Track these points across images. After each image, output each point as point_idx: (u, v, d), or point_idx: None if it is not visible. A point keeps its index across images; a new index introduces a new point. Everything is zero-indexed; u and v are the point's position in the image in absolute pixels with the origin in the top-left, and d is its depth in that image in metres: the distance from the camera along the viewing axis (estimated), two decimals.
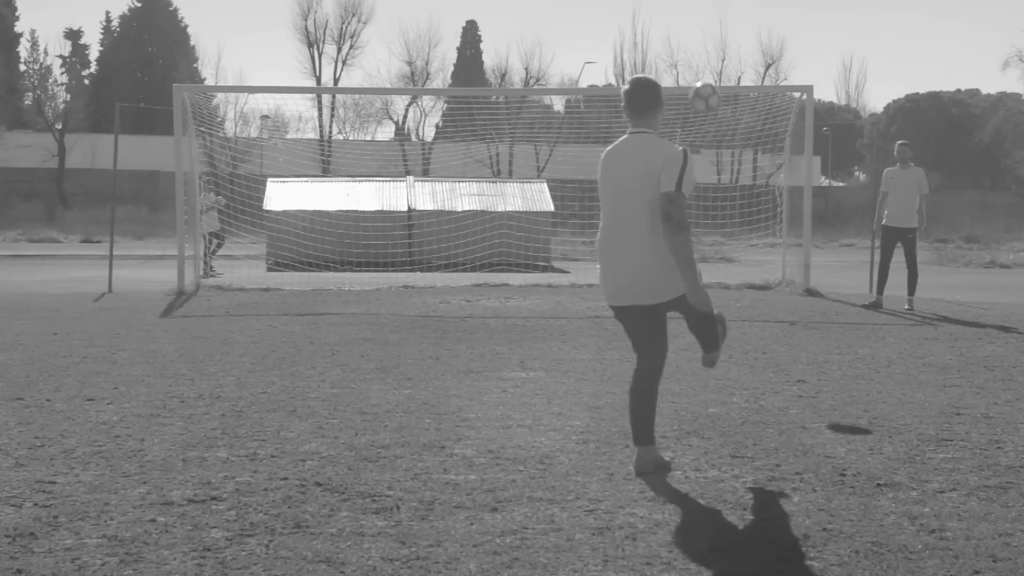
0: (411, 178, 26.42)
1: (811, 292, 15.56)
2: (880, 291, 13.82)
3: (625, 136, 5.43)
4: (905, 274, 13.57)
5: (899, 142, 14.21)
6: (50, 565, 3.88)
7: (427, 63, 54.90)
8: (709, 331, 5.67)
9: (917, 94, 73.88)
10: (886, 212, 13.66)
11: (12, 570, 3.82)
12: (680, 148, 5.24)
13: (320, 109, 53.11)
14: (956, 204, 46.50)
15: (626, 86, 5.44)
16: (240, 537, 4.22)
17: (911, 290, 13.53)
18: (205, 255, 19.68)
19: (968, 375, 8.29)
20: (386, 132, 56.10)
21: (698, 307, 5.26)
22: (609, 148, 5.47)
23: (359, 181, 24.98)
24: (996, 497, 4.86)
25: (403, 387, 7.61)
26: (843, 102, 71.67)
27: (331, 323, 11.65)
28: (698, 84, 6.19)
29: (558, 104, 58.44)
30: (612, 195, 5.35)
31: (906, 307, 13.28)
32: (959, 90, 75.10)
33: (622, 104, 5.41)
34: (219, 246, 20.67)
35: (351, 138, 53.43)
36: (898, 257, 13.62)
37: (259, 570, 3.86)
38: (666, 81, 54.08)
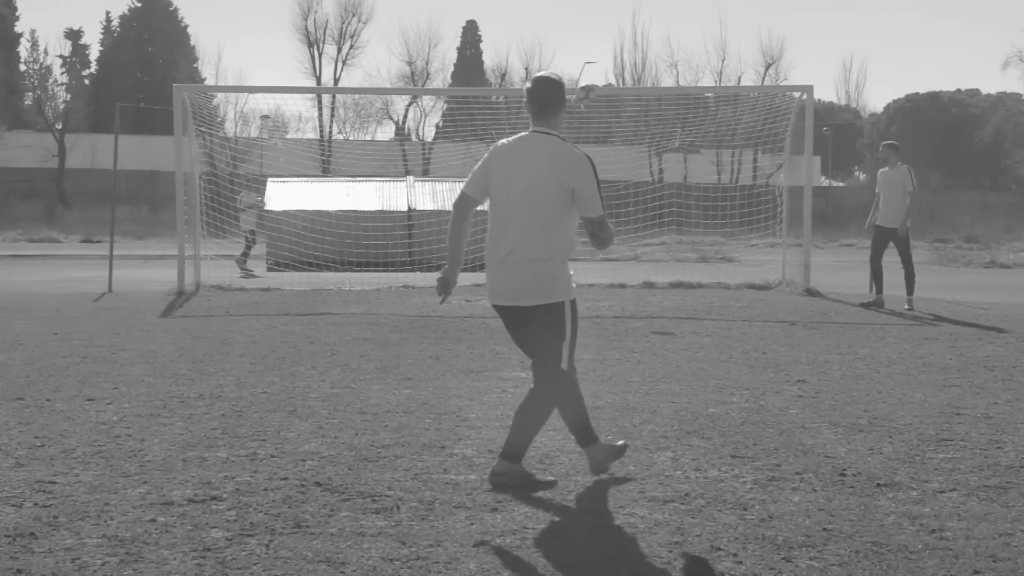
0: (411, 178, 26.43)
1: (811, 292, 15.57)
2: (879, 290, 13.85)
3: (526, 134, 5.20)
4: (903, 274, 13.60)
5: (884, 143, 14.33)
6: (50, 565, 3.88)
7: (427, 63, 55.02)
8: (530, 409, 5.15)
9: (917, 94, 73.91)
10: (879, 212, 13.77)
11: (12, 570, 3.82)
12: (584, 154, 5.11)
13: (320, 109, 53.15)
14: (956, 204, 46.52)
15: (528, 84, 5.23)
16: (240, 537, 4.22)
17: (909, 289, 13.56)
18: (243, 254, 19.99)
19: (968, 375, 8.30)
20: (386, 132, 56.19)
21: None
22: (506, 143, 5.22)
23: (359, 181, 24.98)
24: (996, 497, 4.86)
25: (403, 387, 7.61)
26: (843, 102, 71.74)
27: (331, 323, 11.65)
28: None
29: None
30: (514, 194, 5.09)
31: (906, 307, 13.30)
32: (959, 90, 75.13)
33: (524, 101, 5.20)
34: (250, 246, 20.72)
35: (351, 138, 53.50)
36: (895, 257, 13.64)
37: (259, 570, 3.86)
38: (666, 81, 54.22)
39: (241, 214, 20.44)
